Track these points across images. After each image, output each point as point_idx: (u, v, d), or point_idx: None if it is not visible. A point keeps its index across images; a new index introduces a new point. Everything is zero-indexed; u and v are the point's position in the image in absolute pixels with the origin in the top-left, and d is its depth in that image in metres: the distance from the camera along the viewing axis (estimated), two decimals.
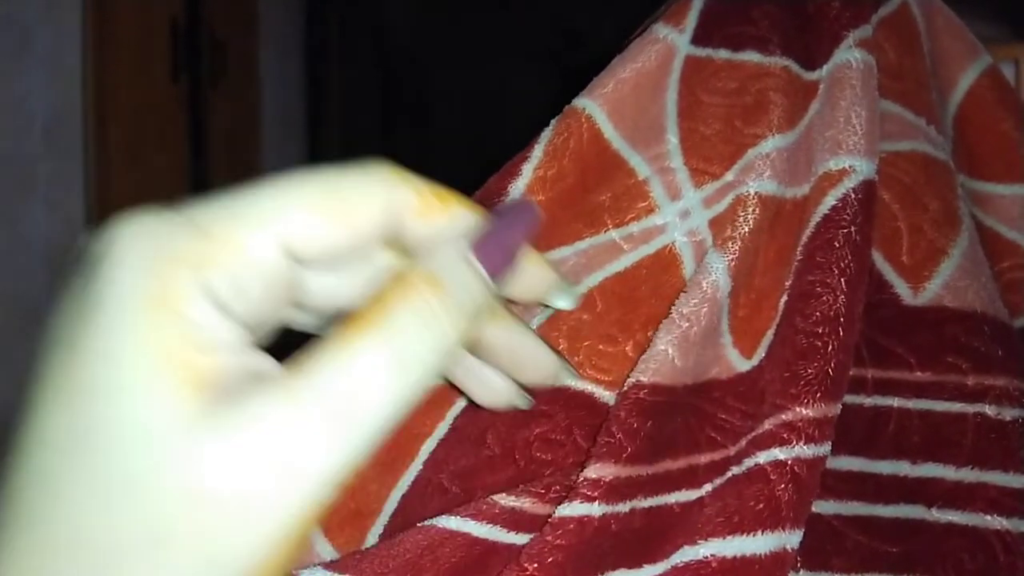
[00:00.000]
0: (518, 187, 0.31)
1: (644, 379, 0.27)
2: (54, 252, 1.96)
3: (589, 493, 0.25)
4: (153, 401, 0.14)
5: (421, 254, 0.18)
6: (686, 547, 0.26)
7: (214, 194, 0.17)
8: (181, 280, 0.15)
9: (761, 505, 0.26)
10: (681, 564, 0.26)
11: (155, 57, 2.31)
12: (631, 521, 0.26)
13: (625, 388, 0.27)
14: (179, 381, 0.14)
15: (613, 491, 0.25)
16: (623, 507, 0.26)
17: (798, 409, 0.27)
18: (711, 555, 0.26)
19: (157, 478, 0.14)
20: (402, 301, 0.16)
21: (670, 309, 0.28)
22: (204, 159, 2.52)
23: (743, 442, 0.28)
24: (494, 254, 0.19)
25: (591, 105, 0.31)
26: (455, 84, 3.08)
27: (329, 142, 3.13)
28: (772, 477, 0.26)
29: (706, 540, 0.26)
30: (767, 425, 0.27)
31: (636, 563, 0.26)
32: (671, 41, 0.32)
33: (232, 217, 0.16)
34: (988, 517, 0.29)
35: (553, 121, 0.32)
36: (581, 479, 0.25)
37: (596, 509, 0.25)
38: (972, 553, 0.29)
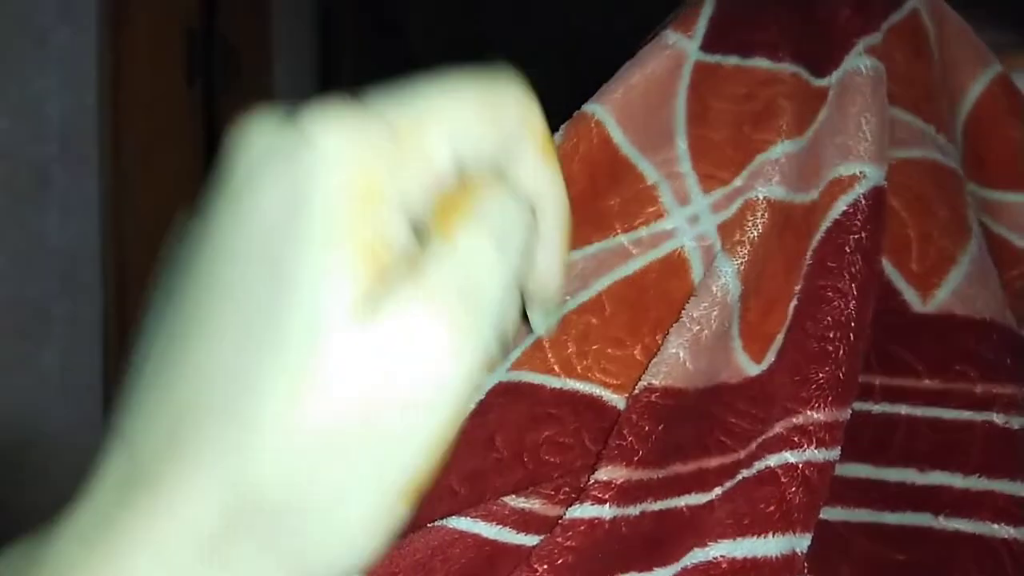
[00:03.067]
0: None
1: (656, 382, 0.27)
2: (67, 254, 1.98)
3: (600, 495, 0.25)
4: (338, 280, 0.15)
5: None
6: (696, 549, 0.26)
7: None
8: (383, 181, 0.16)
9: (772, 507, 0.26)
10: (690, 566, 0.26)
11: (170, 62, 2.33)
12: (641, 524, 0.26)
13: (637, 391, 0.27)
14: (365, 270, 0.15)
15: (624, 494, 0.26)
16: (633, 510, 0.26)
17: (809, 413, 0.27)
18: (721, 556, 0.26)
19: (316, 340, 0.15)
20: (488, 193, 0.17)
21: (680, 313, 0.28)
22: (217, 164, 2.54)
23: (753, 445, 0.28)
24: None
25: (601, 110, 0.31)
26: None
27: None
28: (783, 480, 0.26)
29: (716, 542, 0.26)
30: (777, 428, 0.27)
31: (647, 566, 0.26)
32: (681, 47, 0.32)
33: (418, 120, 0.17)
34: (996, 526, 0.29)
35: (563, 126, 0.32)
36: (592, 481, 0.25)
37: (607, 511, 0.25)
38: (979, 562, 0.29)
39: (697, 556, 0.26)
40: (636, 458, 0.26)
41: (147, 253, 2.23)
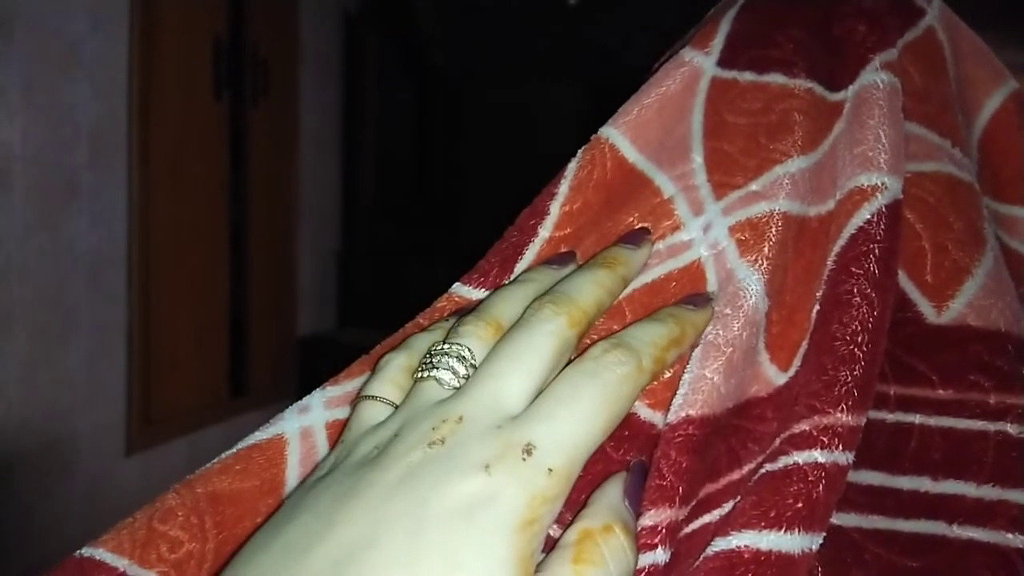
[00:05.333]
0: (547, 226, 0.32)
1: (693, 412, 0.27)
2: (95, 259, 2.01)
3: (650, 542, 0.25)
4: None
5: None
6: (717, 539, 0.26)
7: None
8: (543, 514, 0.23)
9: (800, 504, 0.26)
10: (712, 554, 0.26)
11: (199, 73, 2.36)
12: (677, 547, 0.27)
13: (674, 422, 0.27)
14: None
15: (672, 533, 0.26)
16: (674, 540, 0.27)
17: (838, 415, 0.27)
18: (744, 546, 0.25)
19: None
20: (608, 551, 0.24)
21: (708, 334, 0.29)
22: (243, 173, 2.57)
23: (776, 441, 0.28)
24: (635, 502, 0.27)
25: (614, 134, 0.32)
26: (488, 102, 3.11)
27: (363, 158, 3.18)
28: (810, 478, 0.26)
29: (739, 531, 0.26)
30: (804, 426, 0.27)
31: None
32: (697, 64, 0.33)
33: (563, 474, 0.23)
34: (1009, 535, 0.29)
35: (579, 152, 0.32)
36: (639, 529, 0.26)
37: (661, 555, 0.25)
38: (993, 570, 0.29)
39: (719, 544, 0.26)
40: (677, 497, 0.26)
41: (172, 259, 2.26)
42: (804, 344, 0.30)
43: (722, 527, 0.27)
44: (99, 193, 2.01)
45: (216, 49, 2.41)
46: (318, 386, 0.31)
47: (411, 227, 3.14)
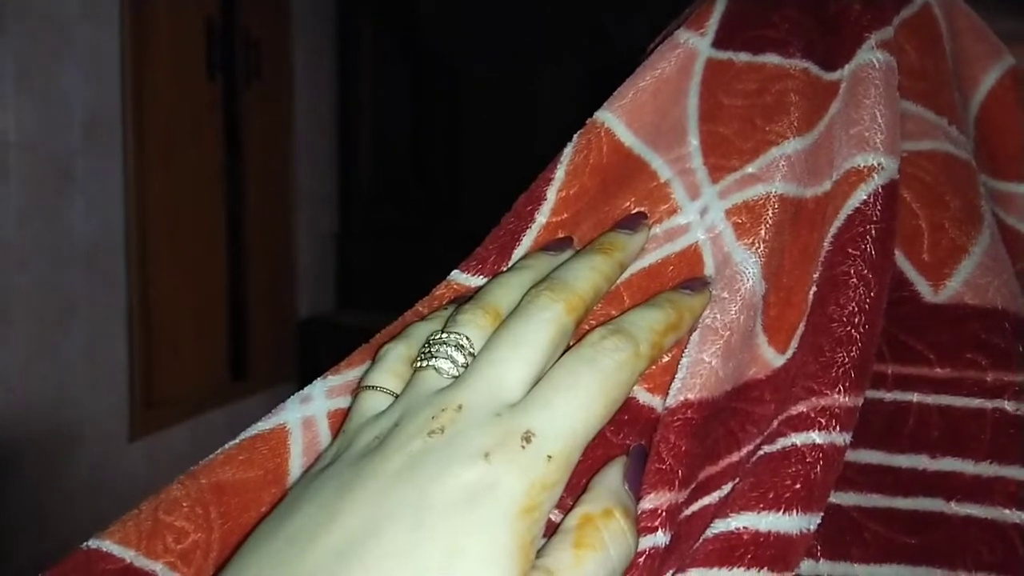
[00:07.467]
0: (543, 212, 0.32)
1: (692, 396, 0.27)
2: (91, 244, 2.01)
3: (650, 525, 0.26)
4: (504, 568, 0.21)
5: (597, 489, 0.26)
6: (717, 520, 0.26)
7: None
8: (543, 502, 0.23)
9: (799, 485, 0.26)
10: (711, 536, 0.26)
11: (191, 55, 2.35)
12: (677, 530, 0.27)
13: (673, 406, 0.27)
14: (522, 563, 0.22)
15: (671, 516, 0.26)
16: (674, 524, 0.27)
17: (835, 396, 0.27)
18: (743, 527, 0.26)
19: None
20: (608, 535, 0.24)
21: (706, 317, 0.29)
22: (238, 156, 2.55)
23: (775, 423, 0.28)
24: (635, 486, 0.27)
25: (610, 117, 0.32)
26: (485, 82, 3.09)
27: (360, 140, 3.16)
28: (808, 459, 0.26)
29: (738, 513, 0.26)
30: (801, 407, 0.28)
31: (681, 564, 0.27)
32: (692, 45, 0.33)
33: (564, 462, 0.24)
34: (1007, 511, 0.30)
35: (575, 137, 0.32)
36: (639, 512, 0.26)
37: (661, 538, 0.26)
38: (991, 546, 0.30)
39: (718, 526, 0.26)
40: (677, 480, 0.26)
41: (170, 243, 2.26)
42: (801, 326, 0.30)
43: (721, 509, 0.27)
44: (94, 178, 2.00)
45: (208, 31, 2.39)
46: (318, 368, 0.31)
47: (409, 209, 3.13)
